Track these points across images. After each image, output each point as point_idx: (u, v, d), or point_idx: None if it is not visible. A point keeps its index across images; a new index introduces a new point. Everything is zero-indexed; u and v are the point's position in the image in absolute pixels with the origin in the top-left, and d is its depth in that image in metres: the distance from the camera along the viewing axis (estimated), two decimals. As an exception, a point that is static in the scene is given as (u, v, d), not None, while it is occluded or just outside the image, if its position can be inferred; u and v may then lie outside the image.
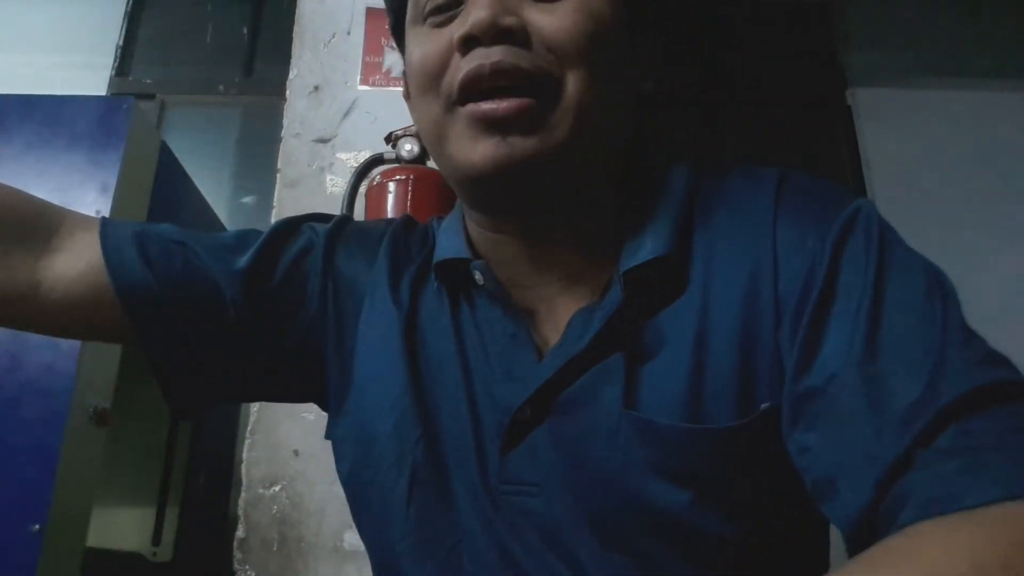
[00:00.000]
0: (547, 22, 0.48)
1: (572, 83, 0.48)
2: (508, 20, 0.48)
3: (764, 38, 2.55)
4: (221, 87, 2.56)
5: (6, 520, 1.19)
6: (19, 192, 0.57)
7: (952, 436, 0.37)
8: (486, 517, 0.50)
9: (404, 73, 0.59)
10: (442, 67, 0.50)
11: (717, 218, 0.52)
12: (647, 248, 0.50)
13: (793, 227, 0.49)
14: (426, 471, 0.52)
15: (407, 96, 0.59)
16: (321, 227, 0.63)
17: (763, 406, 0.46)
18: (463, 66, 0.48)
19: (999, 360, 0.41)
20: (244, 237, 0.60)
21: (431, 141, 0.54)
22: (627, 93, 0.53)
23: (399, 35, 0.59)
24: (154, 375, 0.58)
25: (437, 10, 0.52)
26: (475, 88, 0.48)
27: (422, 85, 0.52)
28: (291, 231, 0.62)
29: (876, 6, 2.62)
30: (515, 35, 0.48)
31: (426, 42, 0.52)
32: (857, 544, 0.40)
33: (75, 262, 0.55)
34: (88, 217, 0.59)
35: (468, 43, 0.48)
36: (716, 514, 0.45)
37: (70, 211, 0.58)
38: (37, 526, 1.18)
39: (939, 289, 0.44)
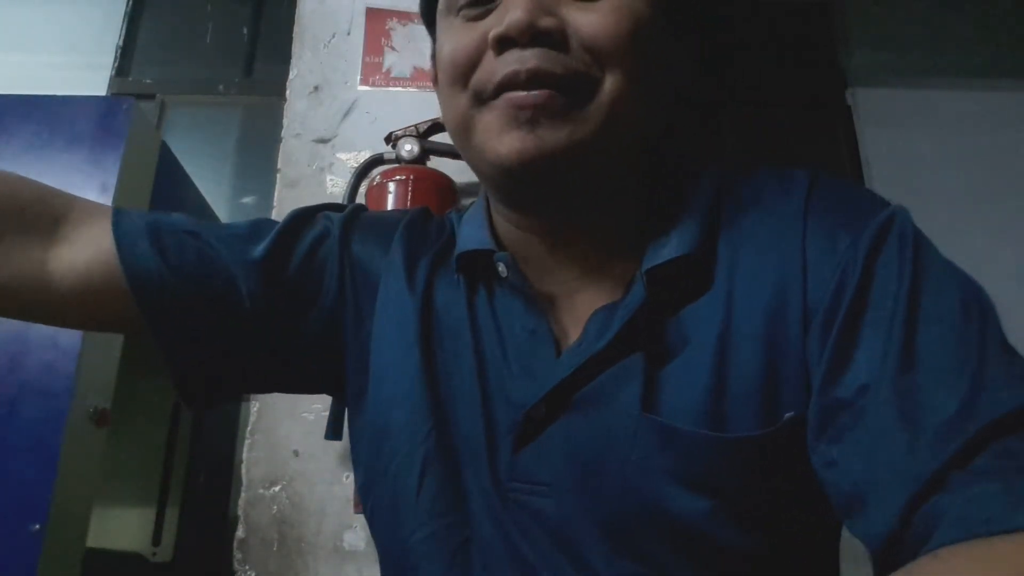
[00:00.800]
0: (586, 21, 0.47)
1: (609, 84, 0.47)
2: (546, 22, 0.46)
3: (764, 38, 2.55)
4: (221, 87, 2.56)
5: (6, 520, 1.19)
6: (24, 179, 0.56)
7: (990, 457, 0.36)
8: (496, 515, 0.49)
9: (432, 59, 0.58)
10: (473, 63, 0.49)
11: (745, 218, 0.51)
12: (671, 246, 0.49)
13: (824, 231, 0.47)
14: (437, 465, 0.51)
15: (434, 81, 0.58)
16: (336, 215, 0.62)
17: (787, 415, 0.44)
18: (499, 68, 0.48)
19: None
20: (258, 227, 0.60)
21: (457, 133, 0.53)
22: (663, 92, 0.52)
23: (430, 20, 0.58)
24: (166, 367, 0.56)
25: (472, 3, 0.51)
26: (511, 90, 0.47)
27: (451, 78, 0.51)
28: (306, 220, 0.61)
29: (876, 6, 2.62)
30: (553, 36, 0.47)
31: (458, 36, 0.51)
32: (885, 564, 0.39)
33: (85, 252, 0.54)
34: (97, 205, 0.58)
35: (503, 44, 0.47)
36: (734, 524, 0.44)
37: (78, 198, 0.57)
38: (37, 526, 1.18)
39: (976, 302, 0.42)
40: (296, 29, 1.72)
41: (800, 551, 0.47)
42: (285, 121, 1.63)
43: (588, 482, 0.47)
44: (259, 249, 0.57)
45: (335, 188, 1.55)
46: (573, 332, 0.52)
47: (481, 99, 0.49)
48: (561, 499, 0.47)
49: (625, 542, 0.45)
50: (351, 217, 0.62)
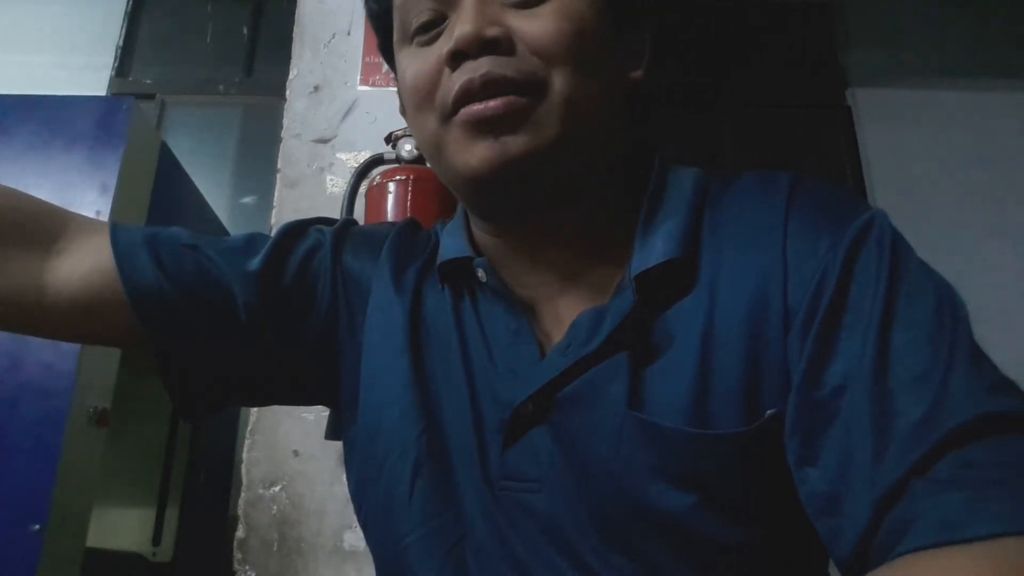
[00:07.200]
0: (529, 27, 0.50)
1: (558, 81, 0.49)
2: (492, 31, 0.49)
3: (764, 38, 2.55)
4: (221, 87, 2.56)
5: (6, 520, 1.19)
6: (21, 194, 0.56)
7: (951, 466, 0.37)
8: (488, 512, 0.50)
9: (399, 91, 0.60)
10: (434, 84, 0.52)
11: (727, 220, 0.52)
12: (658, 250, 0.50)
13: (805, 233, 0.48)
14: (429, 465, 0.52)
15: (403, 113, 0.60)
16: (327, 228, 0.64)
17: (768, 412, 0.45)
18: (455, 80, 0.50)
19: (1006, 387, 0.40)
20: (252, 241, 0.61)
21: (430, 153, 0.55)
22: (615, 85, 0.54)
23: (388, 54, 0.61)
24: (161, 379, 0.57)
25: (423, 29, 0.53)
26: (468, 101, 0.50)
27: (416, 103, 0.54)
28: (299, 232, 0.62)
29: (876, 6, 2.62)
30: (500, 45, 0.49)
31: (416, 61, 0.53)
32: (850, 568, 0.40)
33: (83, 265, 0.55)
34: (94, 220, 0.59)
35: (457, 58, 0.50)
36: (718, 518, 0.45)
37: (75, 214, 0.58)
38: (37, 526, 1.18)
39: (950, 308, 0.43)
40: (296, 29, 1.72)
41: (786, 543, 0.47)
42: (285, 121, 1.63)
43: (576, 478, 0.48)
44: (255, 262, 0.58)
45: (335, 188, 1.55)
46: (556, 333, 0.54)
47: (446, 116, 0.51)
48: (551, 495, 0.48)
49: (615, 536, 0.46)
50: (342, 230, 0.63)
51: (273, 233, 0.62)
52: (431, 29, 0.53)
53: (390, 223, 0.68)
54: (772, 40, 2.54)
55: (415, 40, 0.54)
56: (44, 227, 0.55)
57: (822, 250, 0.47)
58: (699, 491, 0.45)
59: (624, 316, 0.49)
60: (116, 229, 0.57)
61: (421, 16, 0.53)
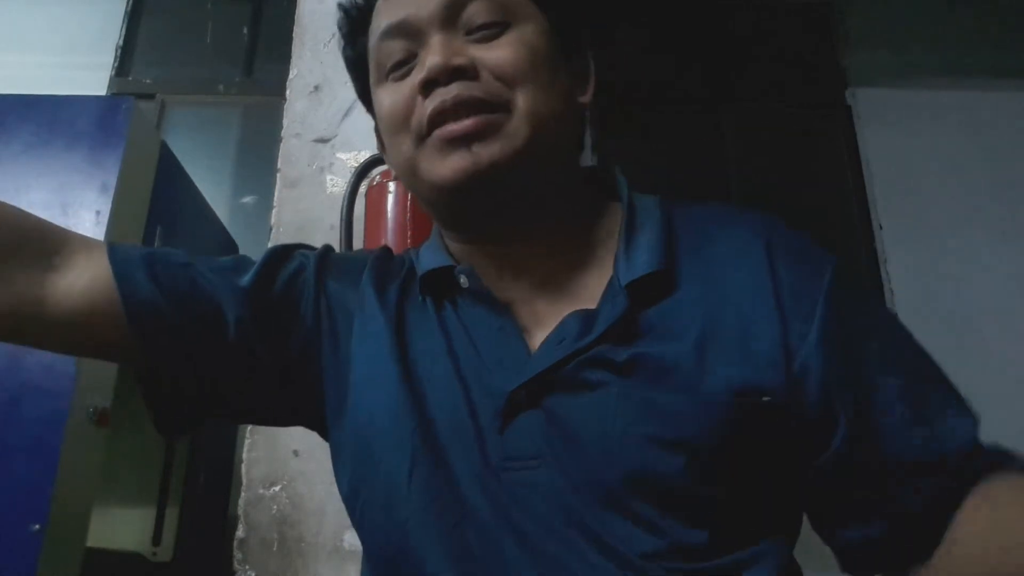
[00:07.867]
0: (491, 56, 0.58)
1: (521, 99, 0.57)
2: (458, 60, 0.57)
3: (764, 39, 2.55)
4: (221, 87, 2.57)
5: (6, 520, 1.19)
6: (19, 210, 0.60)
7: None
8: (491, 493, 0.54)
9: (376, 130, 0.66)
10: (409, 110, 0.59)
11: (701, 242, 0.60)
12: (643, 262, 0.57)
13: (789, 257, 0.57)
14: (425, 457, 0.56)
15: (382, 149, 0.67)
16: (310, 252, 0.69)
17: (765, 399, 0.52)
18: (427, 105, 0.57)
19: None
20: (241, 261, 0.66)
21: (406, 174, 0.61)
22: (568, 104, 0.62)
23: (366, 98, 0.67)
24: (143, 394, 0.61)
25: (397, 66, 0.60)
26: (441, 121, 0.56)
27: (393, 128, 0.60)
28: (284, 255, 0.67)
29: (876, 6, 2.63)
30: (467, 71, 0.57)
31: (392, 94, 0.60)
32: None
33: (82, 279, 0.58)
34: (91, 238, 0.62)
35: (428, 86, 0.57)
36: (701, 476, 0.51)
37: (72, 231, 0.62)
38: (37, 526, 1.18)
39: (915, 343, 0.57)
40: (296, 29, 1.72)
41: (766, 500, 0.54)
42: (285, 121, 1.63)
43: (572, 453, 0.53)
44: (245, 279, 0.63)
45: (335, 188, 1.55)
46: (536, 330, 0.59)
47: (421, 138, 0.58)
48: (551, 469, 0.53)
49: (615, 502, 0.51)
50: (324, 254, 0.69)
51: (261, 255, 0.67)
52: (404, 66, 0.60)
53: (365, 251, 0.75)
54: (772, 40, 2.55)
55: (390, 77, 0.61)
56: (43, 243, 0.59)
57: (816, 277, 0.56)
58: (688, 454, 0.51)
59: (618, 317, 0.55)
60: (114, 247, 0.61)
61: (394, 55, 0.60)
